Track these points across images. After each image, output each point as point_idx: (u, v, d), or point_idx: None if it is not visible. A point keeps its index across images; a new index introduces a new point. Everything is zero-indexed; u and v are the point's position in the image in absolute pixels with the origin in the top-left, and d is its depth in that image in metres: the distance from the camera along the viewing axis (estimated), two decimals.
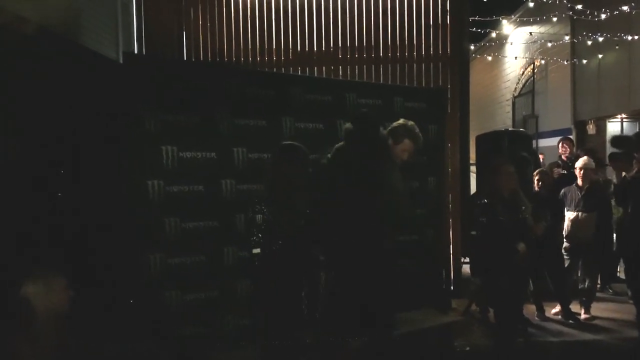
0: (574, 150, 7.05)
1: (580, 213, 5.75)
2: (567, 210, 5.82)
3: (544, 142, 12.05)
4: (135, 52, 6.67)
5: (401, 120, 4.22)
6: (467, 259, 6.56)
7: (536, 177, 5.74)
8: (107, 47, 6.76)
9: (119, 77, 4.22)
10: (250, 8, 6.39)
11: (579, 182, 5.82)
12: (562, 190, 5.94)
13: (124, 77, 4.14)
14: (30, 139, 3.44)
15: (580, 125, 11.01)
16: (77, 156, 3.77)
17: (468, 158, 6.65)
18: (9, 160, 3.31)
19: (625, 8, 8.91)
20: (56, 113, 3.57)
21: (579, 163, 5.90)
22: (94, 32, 6.39)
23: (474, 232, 5.18)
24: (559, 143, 7.09)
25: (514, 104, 14.41)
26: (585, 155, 6.13)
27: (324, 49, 6.42)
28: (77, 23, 6.02)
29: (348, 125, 4.07)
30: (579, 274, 5.92)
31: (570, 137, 9.14)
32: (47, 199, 3.54)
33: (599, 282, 6.28)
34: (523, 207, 4.45)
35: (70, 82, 3.70)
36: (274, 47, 6.40)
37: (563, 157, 6.87)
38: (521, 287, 4.81)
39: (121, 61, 6.01)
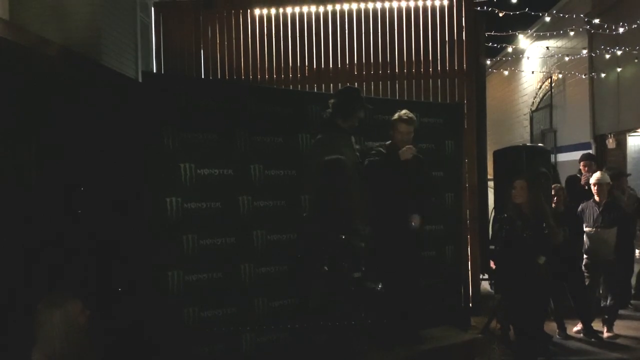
0: (595, 168, 6.83)
1: (598, 229, 5.66)
2: (586, 227, 5.74)
3: (562, 157, 11.92)
4: (154, 70, 6.78)
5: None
6: (486, 276, 6.48)
7: (552, 193, 5.68)
8: (127, 65, 6.90)
9: (137, 96, 4.29)
10: (266, 26, 6.46)
11: (596, 197, 5.75)
12: (580, 206, 5.86)
13: (143, 96, 4.21)
14: (51, 157, 3.50)
15: (600, 140, 10.87)
16: (96, 173, 3.82)
17: (486, 173, 6.60)
18: (31, 177, 3.37)
19: None
20: (75, 131, 3.64)
21: (593, 179, 5.82)
22: (114, 51, 6.53)
23: (492, 247, 5.15)
24: (580, 161, 6.95)
25: (531, 118, 14.29)
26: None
27: (339, 65, 6.45)
28: (98, 43, 6.15)
29: (333, 100, 4.37)
30: (601, 291, 5.81)
31: (592, 152, 9.00)
32: (67, 216, 3.59)
33: None
34: (544, 224, 4.41)
35: (90, 101, 3.77)
36: (290, 64, 6.45)
37: (584, 178, 6.71)
38: (541, 303, 4.73)
39: (140, 80, 6.12)
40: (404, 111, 4.63)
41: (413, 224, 4.50)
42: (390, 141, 4.64)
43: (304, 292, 3.98)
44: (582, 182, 6.51)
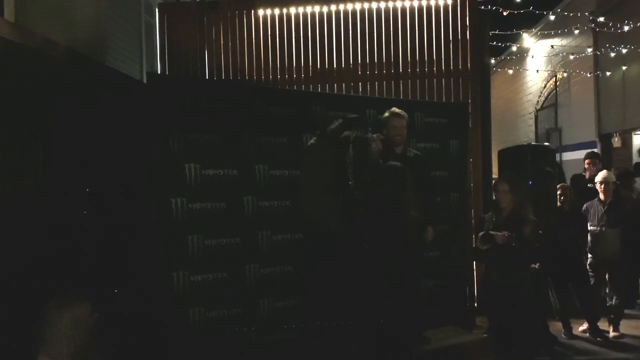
0: (600, 166, 6.78)
1: (603, 228, 5.64)
2: (590, 226, 5.72)
3: (567, 156, 11.88)
4: (159, 71, 6.79)
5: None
6: None
7: (558, 192, 5.66)
8: (131, 66, 6.92)
9: (143, 97, 4.30)
10: (270, 26, 6.46)
11: (601, 196, 5.73)
12: (585, 205, 5.84)
13: (147, 96, 4.22)
14: (56, 158, 3.51)
15: (605, 139, 10.82)
16: (101, 174, 3.83)
17: (490, 173, 6.58)
18: (37, 178, 3.39)
19: None
20: (80, 132, 3.65)
21: (598, 177, 5.80)
22: (118, 52, 6.55)
23: (474, 245, 5.16)
24: (585, 159, 6.91)
25: (536, 117, 14.24)
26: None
27: (343, 65, 6.44)
28: (103, 44, 6.17)
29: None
30: (607, 291, 5.79)
31: (596, 151, 8.96)
32: (72, 218, 3.60)
33: None
34: (524, 223, 4.23)
35: (95, 102, 3.78)
36: (295, 64, 6.45)
37: (588, 173, 6.69)
38: (530, 305, 4.58)
39: (145, 80, 6.14)
40: (393, 108, 4.80)
41: (427, 238, 4.66)
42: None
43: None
44: (587, 177, 6.50)
